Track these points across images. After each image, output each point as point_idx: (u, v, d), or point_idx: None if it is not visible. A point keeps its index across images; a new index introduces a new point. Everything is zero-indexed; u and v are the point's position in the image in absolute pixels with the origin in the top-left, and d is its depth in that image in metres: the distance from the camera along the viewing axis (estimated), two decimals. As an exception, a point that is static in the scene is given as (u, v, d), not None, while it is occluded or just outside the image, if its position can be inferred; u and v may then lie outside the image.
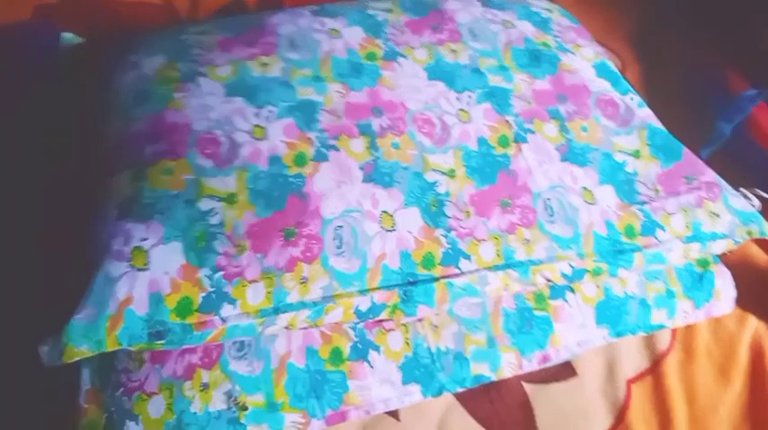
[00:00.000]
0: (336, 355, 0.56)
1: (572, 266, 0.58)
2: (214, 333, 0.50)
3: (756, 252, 0.73)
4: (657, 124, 0.69)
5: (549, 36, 0.74)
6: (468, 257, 0.57)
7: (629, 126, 0.67)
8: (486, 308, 0.60)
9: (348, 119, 0.62)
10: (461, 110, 0.65)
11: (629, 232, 0.60)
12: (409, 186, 0.58)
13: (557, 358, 0.61)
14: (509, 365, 0.59)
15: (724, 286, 0.67)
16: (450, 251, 0.56)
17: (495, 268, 0.57)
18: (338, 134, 0.60)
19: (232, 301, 0.51)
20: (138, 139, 0.58)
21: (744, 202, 0.65)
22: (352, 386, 0.56)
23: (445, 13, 0.74)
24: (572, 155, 0.63)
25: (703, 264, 0.67)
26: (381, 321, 0.58)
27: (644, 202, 0.62)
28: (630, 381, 0.64)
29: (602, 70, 0.72)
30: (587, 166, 0.63)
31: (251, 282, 0.52)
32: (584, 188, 0.62)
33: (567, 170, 0.62)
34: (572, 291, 0.62)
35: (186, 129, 0.58)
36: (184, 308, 0.50)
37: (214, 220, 0.53)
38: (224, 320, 0.50)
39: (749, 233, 0.63)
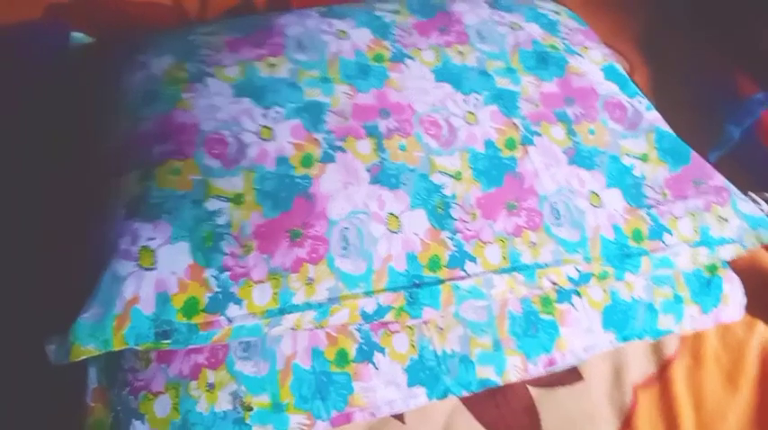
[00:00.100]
0: (342, 357, 0.56)
1: (578, 270, 0.58)
2: (220, 333, 0.51)
3: (766, 257, 0.73)
4: (666, 127, 0.69)
5: (557, 38, 0.73)
6: (473, 260, 0.56)
7: (636, 129, 0.67)
8: (492, 311, 0.60)
9: (355, 120, 0.62)
10: (468, 112, 0.64)
11: (637, 236, 0.60)
12: (416, 188, 0.58)
13: (563, 362, 0.61)
14: (515, 369, 0.59)
15: (732, 291, 0.66)
16: (456, 253, 0.56)
17: (501, 271, 0.57)
18: (345, 135, 0.60)
19: (238, 302, 0.51)
20: (146, 139, 0.58)
21: (753, 207, 0.64)
22: (357, 388, 0.56)
23: (453, 14, 0.74)
24: (579, 158, 0.63)
25: (712, 269, 0.66)
26: (387, 323, 0.58)
27: (651, 206, 0.62)
28: (637, 387, 0.64)
29: (610, 73, 0.72)
30: (594, 170, 0.63)
31: (257, 282, 0.52)
32: (592, 191, 0.61)
33: (573, 173, 0.62)
34: (578, 295, 0.62)
35: (194, 130, 0.58)
36: (191, 307, 0.50)
37: (221, 221, 0.53)
38: (230, 320, 0.51)
39: (758, 238, 0.63)
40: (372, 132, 0.61)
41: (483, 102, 0.66)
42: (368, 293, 0.54)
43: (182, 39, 0.68)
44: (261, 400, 0.53)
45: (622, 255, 0.59)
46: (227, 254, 0.52)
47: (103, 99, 0.65)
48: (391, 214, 0.57)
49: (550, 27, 0.75)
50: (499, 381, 0.59)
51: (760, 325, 0.68)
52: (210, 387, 0.53)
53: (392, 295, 0.54)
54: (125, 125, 0.61)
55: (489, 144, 0.63)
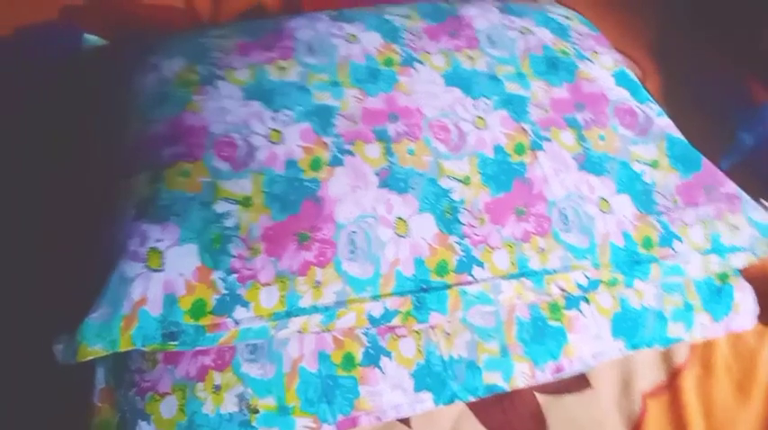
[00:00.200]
0: (348, 361, 0.56)
1: (587, 277, 0.58)
2: (227, 335, 0.51)
3: (778, 266, 0.72)
4: (677, 134, 0.68)
5: (568, 43, 0.73)
6: (481, 265, 0.56)
7: (647, 135, 0.67)
8: (499, 316, 0.60)
9: (364, 124, 0.62)
10: (478, 117, 0.64)
11: (647, 243, 0.60)
12: (424, 192, 0.58)
13: (570, 369, 0.60)
14: (522, 375, 0.59)
15: (744, 300, 0.66)
16: (463, 258, 0.56)
17: (509, 277, 0.56)
18: (354, 139, 0.60)
19: (245, 304, 0.51)
20: (156, 141, 0.59)
21: (765, 215, 0.64)
22: (363, 391, 0.56)
23: (463, 19, 0.73)
24: (589, 164, 0.63)
25: (723, 277, 0.65)
26: (394, 327, 0.57)
27: (662, 213, 0.61)
28: (646, 395, 0.63)
29: (621, 79, 0.71)
30: (604, 176, 0.62)
31: (264, 285, 0.52)
32: (601, 197, 0.61)
33: (583, 179, 0.62)
34: (587, 301, 0.61)
35: (204, 132, 0.59)
36: (198, 309, 0.50)
37: (229, 223, 0.54)
38: (237, 323, 0.51)
39: (770, 247, 0.62)
40: (381, 136, 0.61)
41: (492, 106, 0.65)
42: (375, 297, 0.54)
43: (193, 41, 0.69)
44: (267, 403, 0.53)
45: (632, 262, 0.59)
46: (234, 256, 0.52)
47: (115, 100, 0.66)
48: (399, 218, 0.57)
49: (561, 32, 0.75)
50: (506, 387, 0.59)
51: (772, 334, 0.67)
52: (217, 388, 0.53)
53: (399, 299, 0.54)
54: (135, 127, 0.61)
55: (498, 149, 0.62)
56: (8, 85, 0.75)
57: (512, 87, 0.68)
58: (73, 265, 0.55)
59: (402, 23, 0.72)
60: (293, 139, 0.59)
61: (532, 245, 0.58)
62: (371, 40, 0.69)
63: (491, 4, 0.78)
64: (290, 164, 0.58)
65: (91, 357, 0.48)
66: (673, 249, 0.60)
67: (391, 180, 0.58)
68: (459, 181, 0.60)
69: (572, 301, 0.61)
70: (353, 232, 0.55)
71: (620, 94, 0.70)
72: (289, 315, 0.52)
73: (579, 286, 0.58)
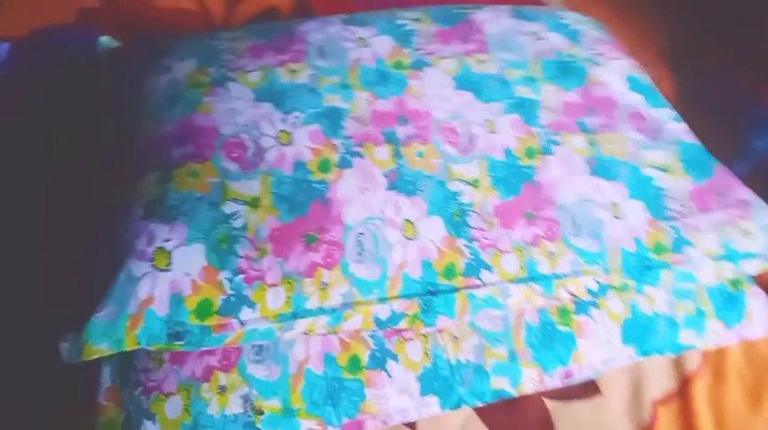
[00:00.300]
0: (354, 363, 0.56)
1: (598, 281, 0.57)
2: (232, 336, 0.51)
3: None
4: (690, 139, 0.67)
5: (579, 48, 0.73)
6: (490, 269, 0.56)
7: (659, 140, 0.66)
8: (508, 321, 0.59)
9: (374, 126, 0.62)
10: (488, 120, 0.64)
11: (658, 248, 0.59)
12: (433, 195, 0.58)
13: (580, 375, 0.60)
14: (530, 380, 0.58)
15: (757, 307, 0.64)
16: (472, 262, 0.56)
17: (518, 281, 0.56)
18: (363, 141, 0.60)
19: (251, 305, 0.51)
20: (166, 142, 0.59)
21: (780, 222, 0.62)
22: (369, 395, 0.55)
23: (474, 23, 0.73)
24: (600, 168, 0.62)
25: (736, 284, 0.64)
26: (401, 330, 0.57)
27: (674, 218, 0.61)
28: (657, 403, 0.62)
29: (633, 83, 0.71)
30: (615, 180, 0.62)
31: (271, 286, 0.52)
32: (612, 202, 0.60)
33: (594, 183, 0.61)
34: (597, 307, 0.60)
35: (214, 133, 0.59)
36: (204, 310, 0.50)
37: (237, 223, 0.54)
38: (243, 323, 0.51)
39: (784, 254, 0.61)
40: (390, 138, 0.61)
41: (503, 110, 0.65)
42: (382, 300, 0.53)
43: (205, 44, 0.69)
44: (272, 404, 0.53)
45: (643, 268, 0.58)
46: (241, 257, 0.52)
47: (127, 101, 0.66)
48: (407, 221, 0.56)
49: (573, 36, 0.74)
50: (514, 393, 0.58)
51: (787, 343, 0.66)
52: (222, 389, 0.53)
53: (406, 302, 0.54)
54: (146, 127, 0.61)
55: (508, 152, 0.62)
56: (21, 85, 0.76)
57: (522, 91, 0.67)
58: (73, 265, 0.56)
59: (413, 27, 0.72)
60: (302, 141, 0.59)
61: (542, 249, 0.57)
62: (382, 44, 0.69)
63: (502, 8, 0.77)
64: (299, 165, 0.58)
65: (96, 356, 0.48)
66: (685, 255, 0.59)
67: (400, 182, 0.58)
68: (469, 184, 0.59)
69: (582, 306, 0.60)
70: (361, 234, 0.55)
71: (633, 99, 0.69)
72: (295, 316, 0.52)
73: (589, 291, 0.57)
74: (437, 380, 0.57)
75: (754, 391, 0.64)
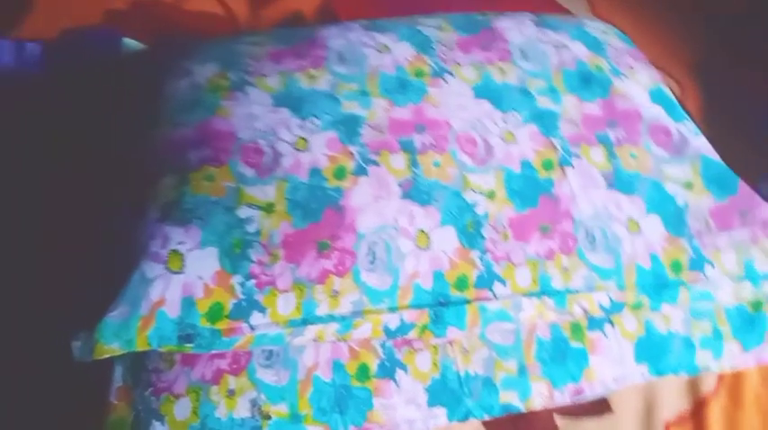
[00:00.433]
0: (363, 372, 0.56)
1: (611, 298, 0.56)
2: (242, 340, 0.51)
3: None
4: (713, 155, 0.66)
5: (603, 59, 0.72)
6: (502, 282, 0.55)
7: (682, 155, 0.65)
8: (519, 335, 0.59)
9: (391, 134, 0.61)
10: (506, 131, 0.63)
11: (676, 266, 0.58)
12: (447, 205, 0.58)
13: (591, 392, 0.59)
14: (540, 396, 0.57)
15: (777, 330, 0.63)
16: (484, 274, 0.55)
17: (531, 294, 0.55)
18: (379, 149, 0.60)
19: (262, 310, 0.51)
20: (183, 145, 0.60)
21: (804, 243, 0.61)
22: (376, 404, 0.55)
23: (496, 31, 0.73)
24: (619, 182, 0.61)
25: (756, 305, 0.63)
26: (411, 341, 0.57)
27: (693, 236, 0.59)
28: (669, 424, 0.61)
29: (656, 96, 0.70)
30: (634, 195, 0.61)
31: (282, 291, 0.52)
32: (630, 217, 0.59)
33: (612, 198, 0.60)
34: (611, 323, 0.59)
35: (231, 137, 0.59)
36: (215, 313, 0.51)
37: (251, 228, 0.54)
38: (253, 328, 0.51)
39: (807, 276, 0.60)
40: (407, 147, 0.61)
41: (522, 121, 0.64)
42: (392, 309, 0.53)
43: (227, 47, 0.70)
44: (279, 410, 0.53)
45: (658, 286, 0.57)
46: (254, 261, 0.52)
47: (147, 102, 0.67)
48: (421, 230, 0.56)
49: (597, 47, 0.73)
50: (522, 408, 0.57)
51: (807, 367, 0.64)
52: (231, 393, 0.53)
53: (416, 312, 0.54)
54: (164, 129, 0.62)
55: (526, 164, 0.61)
56: (51, 85, 0.78)
57: (543, 102, 0.67)
58: (72, 265, 0.56)
59: (435, 35, 0.72)
60: (319, 148, 0.59)
61: (556, 263, 0.57)
62: (403, 51, 0.69)
63: (526, 16, 0.77)
64: (314, 172, 0.58)
65: (107, 355, 0.48)
66: (703, 274, 0.58)
67: (414, 191, 0.58)
68: (484, 195, 0.59)
69: (595, 323, 0.59)
70: (374, 242, 0.55)
71: (655, 112, 0.68)
72: (305, 322, 0.52)
73: (602, 308, 0.56)
74: (445, 392, 0.56)
75: (771, 417, 0.62)
